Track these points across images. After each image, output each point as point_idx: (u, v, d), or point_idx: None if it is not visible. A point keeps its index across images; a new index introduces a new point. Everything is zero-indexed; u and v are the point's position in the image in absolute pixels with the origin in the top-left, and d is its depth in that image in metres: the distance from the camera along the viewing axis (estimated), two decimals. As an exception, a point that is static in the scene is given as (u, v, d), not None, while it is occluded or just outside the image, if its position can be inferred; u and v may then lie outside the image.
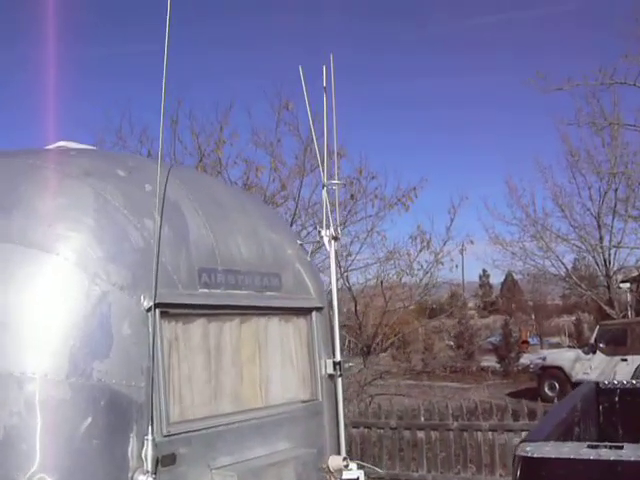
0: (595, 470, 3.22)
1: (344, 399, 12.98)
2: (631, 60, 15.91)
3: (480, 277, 63.34)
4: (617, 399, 5.96)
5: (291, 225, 15.02)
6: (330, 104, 5.78)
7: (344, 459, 4.98)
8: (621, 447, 3.25)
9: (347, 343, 18.93)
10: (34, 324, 4.08)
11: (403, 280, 17.37)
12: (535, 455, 3.20)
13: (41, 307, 4.11)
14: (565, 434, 4.09)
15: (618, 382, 6.11)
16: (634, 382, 6.13)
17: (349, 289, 16.76)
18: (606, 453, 3.23)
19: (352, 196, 15.82)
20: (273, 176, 15.36)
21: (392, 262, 16.89)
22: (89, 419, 4.01)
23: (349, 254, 16.61)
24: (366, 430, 12.24)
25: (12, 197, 4.45)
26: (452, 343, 34.21)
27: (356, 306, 16.87)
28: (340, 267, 15.83)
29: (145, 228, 4.45)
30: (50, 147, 5.43)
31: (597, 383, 6.12)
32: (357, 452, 12.11)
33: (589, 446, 3.32)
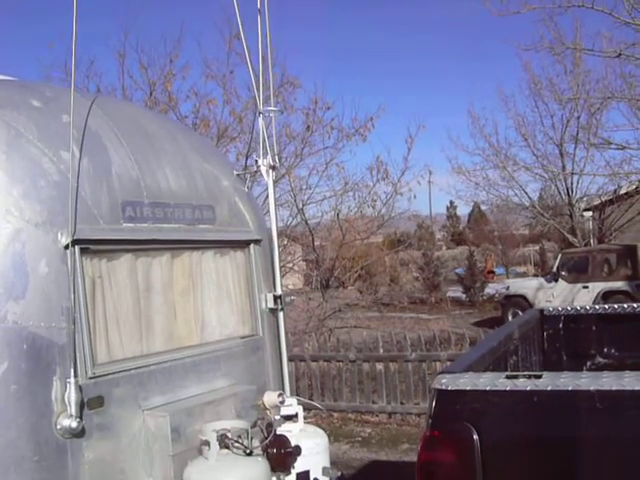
0: (511, 401, 3.11)
1: (301, 334, 12.96)
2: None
3: (447, 208, 63.63)
4: (561, 325, 5.89)
5: (246, 158, 14.74)
6: (265, 26, 5.48)
7: (279, 395, 4.84)
8: (539, 376, 3.12)
9: (310, 278, 18.89)
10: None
11: (363, 212, 17.24)
12: (450, 387, 3.07)
13: (-53, 252, 3.86)
14: (496, 364, 3.98)
15: (562, 308, 6.02)
16: (578, 307, 6.05)
17: (306, 223, 16.58)
18: (523, 383, 3.10)
19: (308, 127, 15.55)
20: (227, 109, 15.03)
21: (350, 194, 16.75)
22: (5, 364, 3.80)
23: (308, 187, 16.42)
24: (325, 364, 12.26)
25: None
26: (418, 275, 34.42)
27: (313, 240, 16.72)
28: (296, 200, 15.67)
29: (62, 161, 4.18)
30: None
31: (541, 310, 6.04)
32: (317, 386, 12.15)
33: (507, 377, 3.19)
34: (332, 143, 16.26)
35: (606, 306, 6.11)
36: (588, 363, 5.89)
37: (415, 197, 17.51)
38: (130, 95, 14.92)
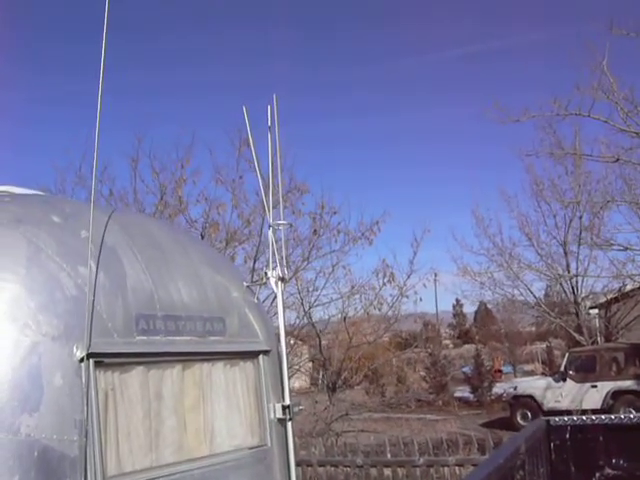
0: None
1: (308, 437, 12.85)
2: (583, 91, 16.17)
3: (454, 306, 63.44)
4: (568, 436, 5.87)
5: (254, 261, 14.96)
6: (275, 143, 5.73)
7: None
8: None
9: (317, 379, 18.79)
10: (-40, 377, 3.94)
11: (369, 314, 17.30)
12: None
13: (-33, 360, 3.97)
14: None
15: (568, 418, 6.02)
16: (584, 417, 6.05)
17: (313, 325, 16.65)
18: None
19: (315, 231, 15.83)
20: (236, 213, 15.34)
21: (357, 296, 16.86)
22: (16, 477, 3.84)
23: (314, 289, 16.56)
24: (333, 469, 12.11)
25: (-61, 247, 4.33)
26: (425, 374, 34.10)
27: (320, 342, 16.75)
28: (303, 303, 15.77)
29: (79, 276, 4.34)
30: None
31: (547, 420, 6.04)
32: (323, 491, 11.95)
33: None
34: (339, 246, 16.55)
35: (613, 416, 6.11)
36: (597, 474, 5.85)
37: (421, 300, 17.67)
38: (141, 199, 15.28)
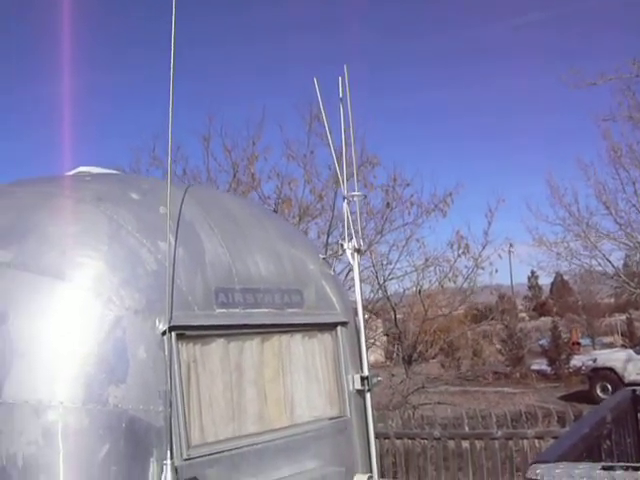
0: (610, 495, 3.03)
1: (385, 410, 12.87)
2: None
3: (529, 279, 62.49)
4: (657, 406, 5.71)
5: (328, 236, 14.98)
6: (347, 115, 5.70)
7: (369, 477, 4.86)
8: (638, 468, 3.05)
9: (391, 352, 18.80)
10: (49, 352, 4.07)
11: (444, 286, 17.17)
12: (545, 479, 3.04)
13: (55, 334, 4.10)
14: (589, 451, 3.90)
15: (657, 387, 5.85)
16: (674, 386, 5.86)
17: (388, 298, 16.62)
18: (621, 476, 3.04)
19: (388, 204, 15.74)
20: (308, 188, 15.38)
21: (431, 269, 16.75)
22: (107, 446, 3.97)
23: (388, 262, 16.51)
24: (410, 441, 12.10)
25: (27, 225, 4.47)
26: (500, 347, 33.73)
27: (395, 316, 16.72)
28: (377, 276, 15.76)
29: (159, 251, 4.42)
30: (69, 173, 5.46)
31: (633, 390, 5.88)
32: (401, 464, 11.98)
33: (603, 468, 3.12)
34: (412, 219, 16.42)
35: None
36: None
37: (497, 271, 17.36)
38: (214, 177, 15.45)
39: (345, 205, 5.64)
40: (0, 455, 3.92)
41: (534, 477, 3.11)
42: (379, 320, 17.65)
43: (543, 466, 3.13)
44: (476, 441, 11.57)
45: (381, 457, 11.74)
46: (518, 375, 30.72)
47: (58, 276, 4.20)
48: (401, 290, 17.12)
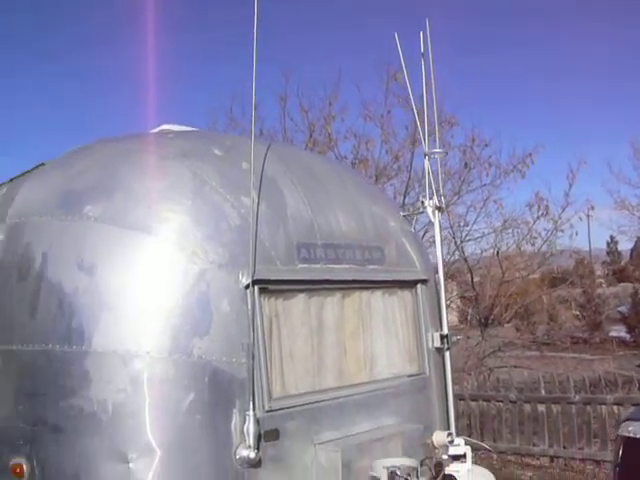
0: None
1: (460, 372, 12.81)
2: None
3: (608, 244, 60.93)
4: None
5: (404, 197, 14.89)
6: (429, 70, 5.61)
7: (448, 434, 4.86)
8: None
9: (466, 315, 18.67)
10: (135, 303, 4.19)
11: (522, 249, 16.89)
12: (639, 435, 2.98)
13: (142, 287, 4.21)
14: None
15: None
16: None
17: (465, 260, 16.45)
18: None
19: (466, 164, 15.53)
20: (384, 148, 15.28)
21: (509, 231, 16.48)
22: (192, 395, 4.08)
23: (465, 224, 16.32)
24: (485, 403, 12.04)
25: (113, 181, 4.56)
26: (578, 313, 33.10)
27: (472, 277, 16.55)
28: (455, 238, 15.61)
29: (242, 206, 4.46)
30: (152, 131, 5.53)
31: None
32: (476, 425, 11.94)
33: None
34: (490, 180, 16.14)
35: None
36: None
37: (577, 234, 16.94)
38: (291, 137, 15.47)
39: (426, 162, 5.59)
40: (91, 401, 4.06)
41: (626, 434, 3.06)
42: (454, 283, 17.51)
43: (636, 424, 3.07)
44: (553, 405, 11.43)
45: (456, 418, 11.73)
46: (598, 340, 30.14)
47: (144, 230, 4.29)
48: (478, 252, 16.95)
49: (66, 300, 4.27)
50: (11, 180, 5.56)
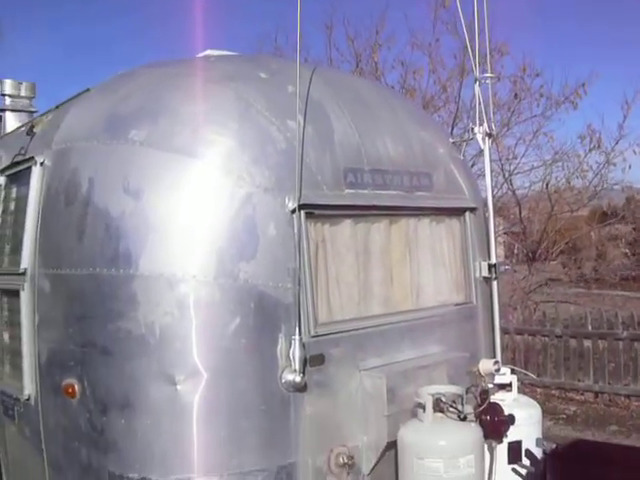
0: None
1: (507, 305, 12.73)
2: None
3: (660, 180, 59.55)
4: None
5: (452, 128, 14.63)
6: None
7: (495, 362, 4.81)
8: None
9: (512, 249, 18.49)
10: (181, 227, 4.17)
11: (572, 183, 16.55)
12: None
13: (188, 210, 4.18)
14: None
15: None
16: None
17: (513, 193, 16.20)
18: None
19: (516, 95, 15.17)
20: (432, 78, 14.98)
21: (559, 164, 16.14)
22: (237, 319, 4.08)
23: (514, 157, 16.02)
24: (530, 338, 12.01)
25: (158, 105, 4.51)
26: (627, 251, 32.54)
27: (520, 211, 16.31)
28: (504, 170, 15.35)
29: (288, 130, 4.38)
30: (197, 56, 5.45)
31: None
32: (521, 360, 11.92)
33: None
34: (540, 111, 15.76)
35: None
36: None
37: (630, 167, 16.50)
38: (337, 67, 15.21)
39: (476, 87, 5.41)
40: (139, 323, 4.09)
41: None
42: (500, 218, 17.30)
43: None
44: (599, 341, 11.35)
45: (502, 350, 11.71)
46: (646, 279, 29.66)
47: (190, 154, 4.25)
48: (527, 185, 16.66)
49: (113, 224, 4.28)
50: (57, 107, 5.56)
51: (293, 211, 4.22)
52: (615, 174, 16.71)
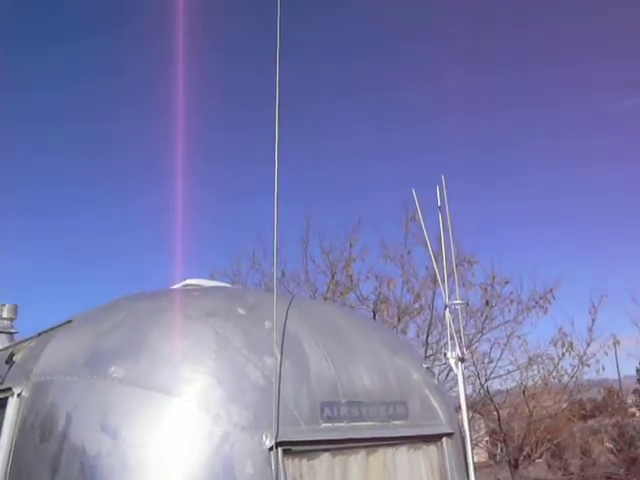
0: None
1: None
2: None
3: (637, 371, 59.54)
4: None
5: (427, 335, 14.86)
6: (446, 223, 5.76)
7: None
8: None
9: (491, 452, 18.19)
10: (159, 466, 4.15)
11: (548, 385, 16.65)
12: None
13: (165, 450, 4.19)
14: None
15: None
16: None
17: (491, 399, 16.20)
18: None
19: (487, 302, 15.58)
20: (406, 287, 15.41)
21: (535, 367, 16.31)
22: None
23: (490, 361, 16.19)
24: None
25: (138, 340, 4.63)
26: (612, 446, 31.95)
27: (499, 416, 16.24)
28: (479, 375, 15.44)
29: (265, 366, 4.50)
30: (176, 286, 5.66)
31: None
32: None
33: None
34: (512, 317, 16.16)
35: None
36: None
37: (604, 369, 16.77)
38: (313, 279, 15.66)
39: (447, 313, 5.63)
40: None
41: None
42: (481, 420, 17.18)
43: None
44: None
45: None
46: (635, 480, 28.92)
47: (168, 392, 4.31)
48: (504, 389, 16.73)
49: (88, 464, 4.24)
50: (39, 334, 5.66)
51: (271, 449, 4.24)
52: (590, 374, 16.89)
